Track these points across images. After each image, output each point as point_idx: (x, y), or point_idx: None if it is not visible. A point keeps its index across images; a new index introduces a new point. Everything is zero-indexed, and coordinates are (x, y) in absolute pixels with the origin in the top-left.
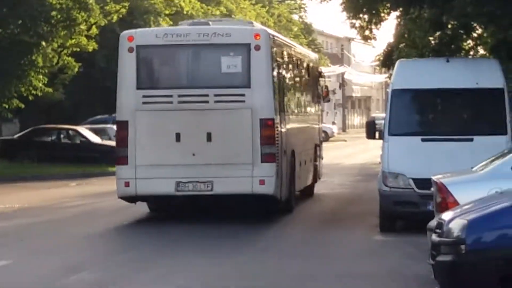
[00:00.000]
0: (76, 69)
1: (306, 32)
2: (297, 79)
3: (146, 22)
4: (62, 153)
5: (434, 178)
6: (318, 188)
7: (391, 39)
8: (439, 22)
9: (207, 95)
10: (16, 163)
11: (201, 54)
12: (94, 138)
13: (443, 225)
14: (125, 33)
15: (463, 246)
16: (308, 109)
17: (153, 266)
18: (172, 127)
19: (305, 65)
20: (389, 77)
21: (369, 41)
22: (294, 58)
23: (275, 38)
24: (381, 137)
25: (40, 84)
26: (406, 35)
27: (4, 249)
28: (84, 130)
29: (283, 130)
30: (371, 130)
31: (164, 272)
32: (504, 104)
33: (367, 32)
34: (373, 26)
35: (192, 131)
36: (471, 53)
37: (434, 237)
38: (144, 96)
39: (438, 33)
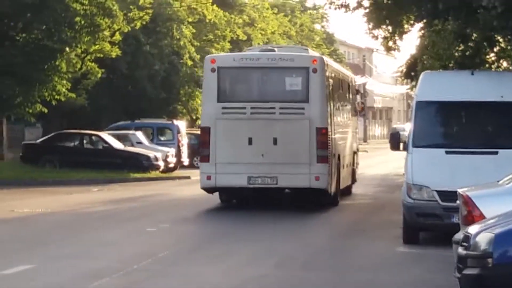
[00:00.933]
0: (99, 75)
1: (328, 42)
2: (342, 96)
3: (169, 30)
4: (85, 158)
5: (460, 191)
6: (340, 198)
7: (413, 51)
8: (463, 35)
9: (274, 108)
10: (38, 167)
11: (269, 74)
12: (117, 144)
13: (469, 238)
14: (209, 56)
15: (490, 260)
16: (349, 121)
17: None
18: (245, 132)
19: (347, 84)
20: (411, 89)
21: (391, 52)
22: (340, 79)
23: (328, 63)
24: (405, 148)
25: (63, 89)
26: (429, 47)
27: (26, 254)
28: (106, 135)
29: (333, 137)
30: (395, 141)
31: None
32: None
33: (390, 43)
34: (396, 37)
35: (261, 136)
36: (494, 66)
37: (461, 250)
38: (223, 108)
39: (462, 46)
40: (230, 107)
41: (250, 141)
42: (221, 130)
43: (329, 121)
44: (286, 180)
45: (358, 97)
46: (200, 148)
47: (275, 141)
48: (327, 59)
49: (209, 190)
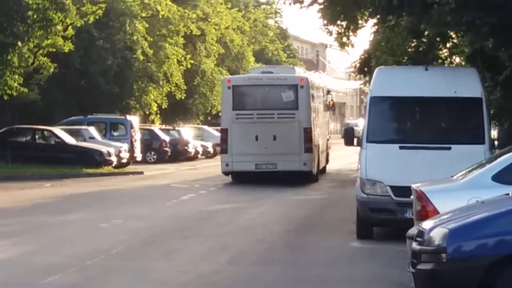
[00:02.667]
0: (51, 70)
1: (282, 37)
2: (319, 100)
3: (122, 24)
4: (37, 153)
5: (413, 186)
6: (293, 193)
7: (366, 46)
8: (416, 30)
9: (273, 114)
10: None
11: (269, 90)
12: (69, 139)
13: (423, 233)
14: (225, 77)
15: (443, 255)
16: (323, 117)
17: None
18: (253, 132)
19: (322, 90)
20: (364, 84)
21: (345, 47)
22: (317, 88)
23: (310, 80)
24: (359, 144)
25: (16, 84)
26: (383, 43)
27: None
28: (59, 131)
29: (314, 133)
30: (350, 136)
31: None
32: (482, 113)
33: (344, 39)
34: (350, 33)
35: (264, 134)
36: (447, 61)
37: (415, 245)
38: (237, 114)
39: (415, 41)
40: (242, 113)
41: (256, 138)
42: (235, 130)
43: (312, 121)
44: (282, 166)
45: (329, 96)
46: (220, 143)
47: (274, 138)
48: (310, 77)
49: (227, 173)
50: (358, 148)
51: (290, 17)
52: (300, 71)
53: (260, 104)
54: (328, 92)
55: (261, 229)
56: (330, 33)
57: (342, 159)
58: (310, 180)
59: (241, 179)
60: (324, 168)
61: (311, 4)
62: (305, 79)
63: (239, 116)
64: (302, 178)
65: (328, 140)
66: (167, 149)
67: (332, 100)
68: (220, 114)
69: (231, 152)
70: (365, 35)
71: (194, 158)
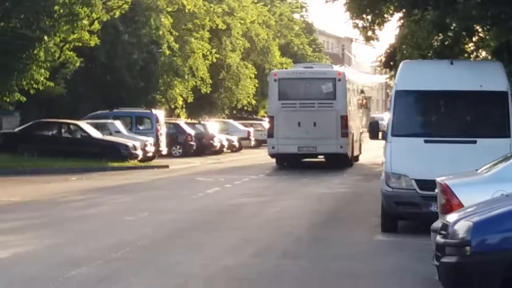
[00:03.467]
0: (77, 64)
1: (307, 31)
2: (354, 94)
3: (148, 19)
4: (63, 147)
5: (438, 179)
6: (319, 187)
7: (392, 41)
8: (442, 24)
9: (314, 103)
10: (16, 156)
11: (311, 82)
12: (95, 133)
13: (448, 226)
14: (273, 71)
15: (468, 248)
16: (358, 112)
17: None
18: (296, 119)
19: (357, 87)
20: (390, 78)
21: (371, 41)
22: (353, 84)
23: (346, 75)
24: (384, 137)
25: (42, 78)
26: (408, 37)
27: (4, 243)
28: (85, 124)
29: (350, 122)
30: (375, 130)
31: None
32: (507, 107)
33: (369, 33)
34: (376, 27)
35: (306, 121)
36: (473, 55)
37: (439, 238)
38: (282, 104)
39: (441, 35)
40: (287, 103)
41: (299, 124)
42: (280, 117)
43: (347, 111)
44: (322, 148)
45: (362, 95)
46: (268, 129)
47: (314, 124)
48: (347, 72)
49: (273, 156)
50: (383, 142)
51: (316, 11)
52: (337, 68)
53: (303, 95)
54: (362, 91)
55: (286, 223)
56: (356, 26)
57: (367, 152)
58: (345, 164)
59: (285, 161)
60: (358, 156)
61: None
62: (342, 73)
63: (284, 105)
64: (339, 161)
65: (361, 133)
66: (192, 143)
67: (365, 99)
68: (245, 108)
69: (277, 137)
70: (391, 29)
71: (219, 152)
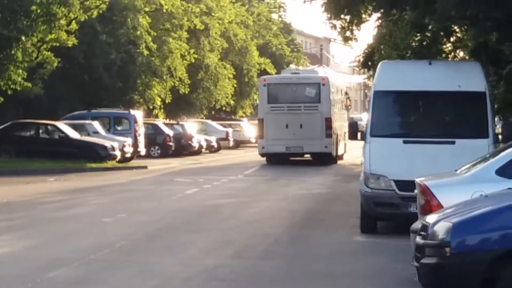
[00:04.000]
0: (55, 64)
1: (285, 31)
2: (338, 97)
3: (125, 19)
4: (41, 148)
5: (417, 180)
6: (298, 188)
7: (370, 41)
8: (420, 24)
9: (300, 106)
10: None
11: (297, 87)
12: (73, 134)
13: (427, 227)
14: (262, 77)
15: (447, 249)
16: (341, 113)
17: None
18: (284, 121)
19: (340, 90)
20: (368, 78)
21: (349, 42)
22: (336, 87)
23: (330, 80)
24: (363, 138)
25: (19, 79)
26: (386, 37)
27: None
28: (63, 125)
29: (334, 123)
30: (353, 131)
31: None
32: (486, 108)
33: (348, 33)
34: (354, 27)
35: (293, 123)
36: (451, 55)
37: (419, 239)
38: (271, 107)
39: (419, 35)
40: (275, 106)
41: (286, 126)
42: (269, 120)
43: (331, 113)
44: (308, 148)
45: (346, 96)
46: (258, 130)
47: (301, 126)
48: (330, 77)
49: (263, 155)
50: (362, 142)
51: (294, 11)
52: (321, 73)
53: (290, 99)
54: (346, 93)
55: (266, 224)
56: (334, 27)
57: (352, 151)
58: (330, 162)
59: (275, 160)
60: (342, 155)
61: None
62: (326, 78)
63: (273, 108)
64: (324, 159)
65: (345, 133)
66: (171, 143)
67: (349, 100)
68: (224, 108)
69: (266, 137)
70: (369, 29)
71: (198, 152)
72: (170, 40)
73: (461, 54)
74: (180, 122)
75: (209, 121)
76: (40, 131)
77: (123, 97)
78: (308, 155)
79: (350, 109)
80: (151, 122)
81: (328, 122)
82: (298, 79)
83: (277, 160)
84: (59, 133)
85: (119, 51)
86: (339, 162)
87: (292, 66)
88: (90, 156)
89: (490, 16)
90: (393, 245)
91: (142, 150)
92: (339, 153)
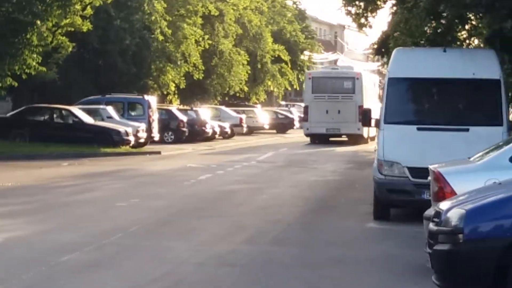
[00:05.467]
0: (70, 49)
1: (300, 18)
2: (370, 88)
3: (141, 4)
4: (55, 132)
5: (431, 167)
6: (310, 175)
7: (384, 28)
8: (435, 12)
9: (338, 96)
10: (8, 141)
11: (336, 80)
12: (87, 119)
13: (440, 214)
14: (308, 71)
15: (460, 236)
16: (373, 101)
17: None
18: (324, 107)
19: (373, 82)
20: (382, 65)
21: (363, 29)
22: (369, 80)
23: (363, 74)
24: (377, 125)
25: (34, 63)
26: (401, 24)
27: None
28: (77, 110)
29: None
30: (367, 117)
31: None
32: (500, 95)
33: (362, 20)
34: (368, 14)
35: (332, 109)
36: (466, 43)
37: (432, 226)
38: (314, 96)
39: (433, 23)
40: (318, 95)
41: (327, 112)
42: (313, 106)
43: (364, 102)
44: (344, 130)
45: (379, 88)
46: (304, 115)
47: (339, 112)
48: (364, 72)
49: (307, 135)
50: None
51: None
52: (356, 68)
53: (330, 90)
54: (380, 83)
55: (278, 210)
56: (349, 13)
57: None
58: (362, 141)
59: (317, 139)
60: (374, 137)
61: None
62: (360, 73)
63: (316, 97)
64: (357, 140)
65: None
66: (184, 129)
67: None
68: (238, 94)
69: (310, 121)
70: (384, 16)
71: (211, 138)
72: (184, 26)
73: (476, 41)
74: (194, 108)
75: (223, 107)
76: (54, 115)
77: (137, 83)
78: (344, 136)
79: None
80: (165, 107)
81: (361, 109)
82: (337, 74)
83: (318, 139)
84: (73, 118)
85: (134, 37)
86: (346, 151)
87: (306, 53)
88: (104, 141)
89: (505, 3)
90: (406, 231)
91: (156, 135)
92: (371, 135)
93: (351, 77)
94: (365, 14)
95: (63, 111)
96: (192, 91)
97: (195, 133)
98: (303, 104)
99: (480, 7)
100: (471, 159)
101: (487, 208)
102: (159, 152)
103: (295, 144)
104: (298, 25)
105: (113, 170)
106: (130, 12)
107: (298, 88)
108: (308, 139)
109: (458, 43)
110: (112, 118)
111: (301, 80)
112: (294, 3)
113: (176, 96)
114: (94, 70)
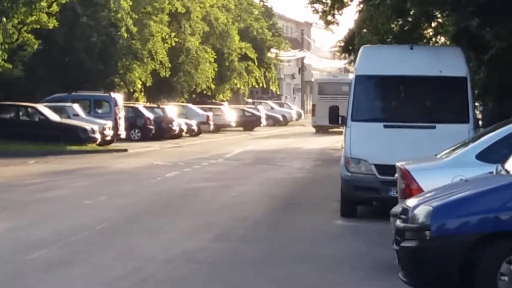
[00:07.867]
0: (35, 46)
1: (267, 15)
2: None
3: (107, 1)
4: (21, 130)
5: (398, 164)
6: (278, 172)
7: (351, 26)
8: (401, 9)
9: (338, 97)
10: None
11: (337, 85)
12: (53, 116)
13: (408, 211)
14: (315, 78)
15: (427, 232)
16: None
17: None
18: (327, 106)
19: None
20: (349, 63)
21: (330, 26)
22: None
23: None
24: (344, 122)
25: (0, 60)
26: (368, 21)
27: None
28: (43, 107)
29: None
30: (334, 115)
31: None
32: (466, 93)
33: (329, 17)
34: (335, 11)
35: (343, 106)
36: (432, 41)
37: (399, 223)
38: (320, 97)
39: (400, 20)
40: (323, 96)
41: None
42: (319, 105)
43: None
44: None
45: None
46: (312, 111)
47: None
48: None
49: (314, 126)
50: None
51: None
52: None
53: (332, 92)
54: None
55: (245, 207)
56: (316, 11)
57: (327, 137)
58: None
59: (321, 130)
60: None
61: None
62: None
63: (321, 98)
64: None
65: None
66: (151, 127)
67: None
68: (204, 92)
69: (316, 116)
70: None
71: (178, 136)
72: (151, 23)
73: (442, 39)
74: (161, 106)
75: (190, 105)
76: (20, 113)
77: (104, 80)
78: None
79: None
80: (132, 105)
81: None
82: (337, 80)
83: (322, 130)
84: (39, 116)
85: (100, 34)
86: (313, 149)
87: (273, 50)
88: (70, 138)
89: (471, 1)
90: (373, 229)
91: (123, 133)
92: None
93: (347, 83)
94: (332, 12)
95: (29, 109)
96: (159, 89)
97: (162, 131)
98: (270, 102)
99: (447, 4)
100: (438, 156)
101: (454, 205)
102: (125, 150)
103: (263, 141)
104: (265, 22)
105: (80, 168)
106: (96, 9)
107: (264, 86)
108: (276, 133)
109: (425, 40)
110: (78, 115)
111: (268, 77)
112: (261, 0)
113: (142, 93)
114: (61, 68)
